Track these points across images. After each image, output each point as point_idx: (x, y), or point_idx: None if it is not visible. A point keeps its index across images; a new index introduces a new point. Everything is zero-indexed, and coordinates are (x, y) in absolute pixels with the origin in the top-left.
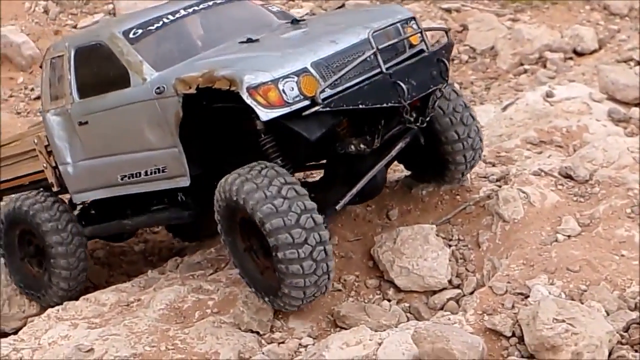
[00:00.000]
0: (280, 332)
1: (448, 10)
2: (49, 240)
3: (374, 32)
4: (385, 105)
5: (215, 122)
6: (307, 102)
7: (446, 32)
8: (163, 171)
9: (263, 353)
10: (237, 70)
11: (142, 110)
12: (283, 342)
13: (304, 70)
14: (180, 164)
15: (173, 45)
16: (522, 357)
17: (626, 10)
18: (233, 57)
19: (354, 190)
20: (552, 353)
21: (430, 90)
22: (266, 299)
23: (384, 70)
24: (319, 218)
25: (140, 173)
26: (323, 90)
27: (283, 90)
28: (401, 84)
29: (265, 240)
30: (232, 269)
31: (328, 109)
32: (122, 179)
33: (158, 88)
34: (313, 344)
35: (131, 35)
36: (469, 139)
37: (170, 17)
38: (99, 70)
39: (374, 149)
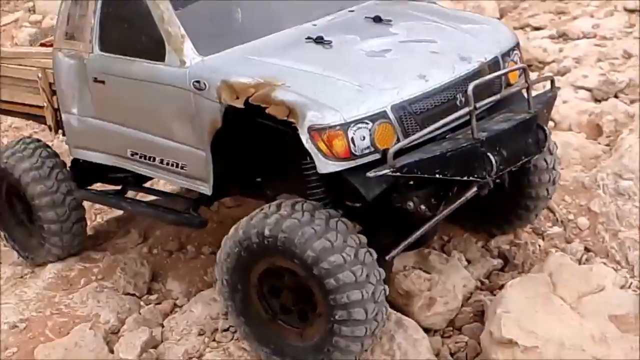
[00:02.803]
0: (157, 293)
1: None
2: (31, 192)
3: (475, 85)
4: (466, 178)
5: (254, 130)
6: (377, 156)
7: (552, 82)
8: (182, 168)
9: (140, 313)
10: (300, 100)
11: (173, 97)
12: (159, 303)
13: (382, 116)
14: (203, 169)
15: (227, 20)
16: None
17: None
18: (296, 68)
19: (406, 243)
20: (406, 299)
21: (520, 162)
22: None
23: (476, 136)
24: (382, 273)
25: (154, 158)
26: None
27: (352, 139)
28: (491, 156)
29: (309, 297)
30: (118, 239)
31: (399, 174)
32: (132, 155)
33: (197, 82)
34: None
35: None
36: (547, 200)
37: None
38: (130, 26)
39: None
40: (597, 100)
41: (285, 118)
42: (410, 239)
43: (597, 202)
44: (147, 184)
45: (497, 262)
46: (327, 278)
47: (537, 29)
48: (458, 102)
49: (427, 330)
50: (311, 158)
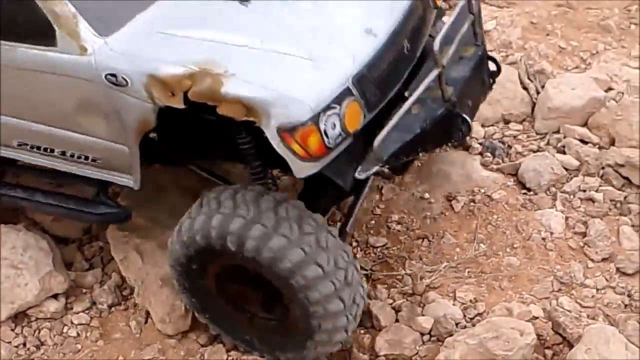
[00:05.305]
0: None
1: None
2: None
3: (440, 40)
4: (445, 145)
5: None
6: (349, 141)
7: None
8: (94, 160)
9: None
10: (258, 95)
11: (76, 87)
12: None
13: (348, 93)
14: (126, 163)
15: None
16: None
17: None
18: (229, 43)
19: (359, 205)
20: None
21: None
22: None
23: (447, 98)
24: (349, 251)
25: (52, 150)
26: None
27: (325, 132)
28: (465, 116)
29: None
30: None
31: (387, 166)
32: (19, 145)
33: (114, 76)
34: None
35: None
36: None
37: None
38: (7, 5)
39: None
40: None
41: (245, 119)
42: (361, 199)
43: None
44: None
45: None
46: (292, 278)
47: None
48: (405, 50)
49: (64, 240)
50: (247, 132)
